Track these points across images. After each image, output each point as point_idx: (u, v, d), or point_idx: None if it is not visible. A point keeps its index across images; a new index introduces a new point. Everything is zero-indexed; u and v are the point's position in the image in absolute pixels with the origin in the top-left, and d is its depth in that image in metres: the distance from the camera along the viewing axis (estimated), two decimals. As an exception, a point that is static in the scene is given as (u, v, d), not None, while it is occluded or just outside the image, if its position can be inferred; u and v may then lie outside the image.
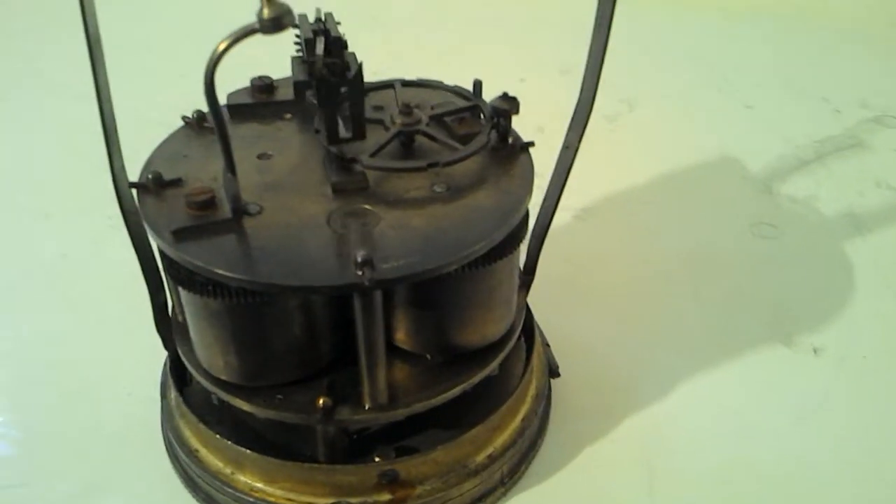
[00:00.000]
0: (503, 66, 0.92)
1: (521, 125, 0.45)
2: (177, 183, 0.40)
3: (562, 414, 0.50)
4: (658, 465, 0.47)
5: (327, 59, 0.43)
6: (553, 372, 0.51)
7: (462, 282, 0.39)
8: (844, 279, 0.61)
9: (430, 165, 0.40)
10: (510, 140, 0.43)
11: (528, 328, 0.49)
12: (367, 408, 0.40)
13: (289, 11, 0.34)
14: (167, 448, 0.46)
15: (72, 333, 0.56)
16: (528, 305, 0.52)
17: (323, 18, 0.46)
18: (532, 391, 0.47)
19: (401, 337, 0.42)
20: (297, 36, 0.45)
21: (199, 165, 0.42)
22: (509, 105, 0.43)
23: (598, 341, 0.55)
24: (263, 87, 0.47)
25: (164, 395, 0.47)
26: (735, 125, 0.81)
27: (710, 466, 0.47)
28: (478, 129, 0.44)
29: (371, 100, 0.46)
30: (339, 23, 0.48)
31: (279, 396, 0.40)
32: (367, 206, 0.39)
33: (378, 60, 0.60)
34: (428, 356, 0.42)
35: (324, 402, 0.39)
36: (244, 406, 0.40)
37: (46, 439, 0.48)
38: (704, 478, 0.46)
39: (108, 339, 0.55)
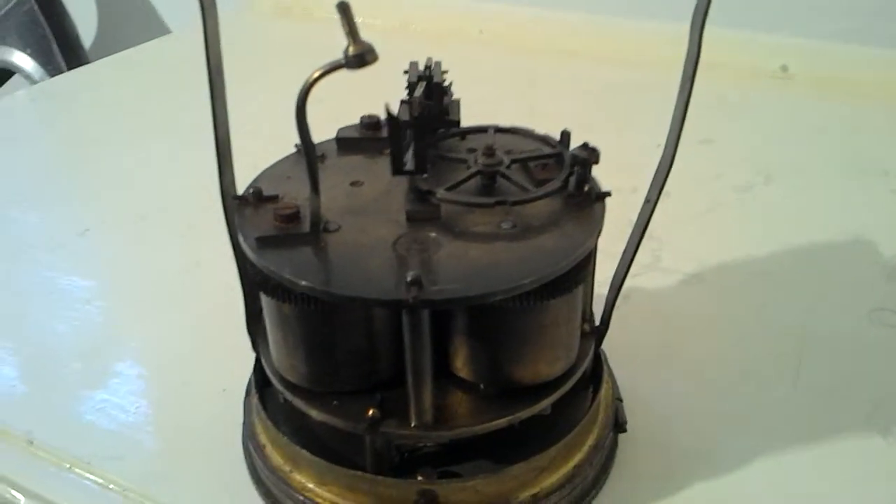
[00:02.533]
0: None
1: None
2: (274, 199, 0.45)
3: (625, 472, 0.49)
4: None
5: (424, 101, 0.47)
6: (620, 426, 0.50)
7: (513, 315, 0.41)
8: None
9: (498, 203, 0.43)
10: (586, 188, 0.45)
11: (597, 377, 0.49)
12: (412, 425, 0.42)
13: (371, 50, 0.38)
14: (243, 443, 0.50)
15: (188, 331, 0.62)
16: (602, 355, 0.53)
17: (431, 66, 0.50)
18: (591, 441, 0.47)
19: (457, 364, 0.44)
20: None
21: (298, 186, 0.46)
22: (588, 154, 0.45)
23: (680, 408, 0.54)
24: (370, 124, 0.52)
25: (248, 393, 0.51)
26: (876, 209, 0.77)
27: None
28: (556, 176, 0.45)
29: (467, 143, 0.50)
30: (445, 71, 0.52)
31: (335, 402, 0.43)
32: (433, 234, 0.42)
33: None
34: (481, 386, 0.44)
35: (372, 413, 0.42)
36: (302, 407, 0.44)
37: (147, 422, 0.54)
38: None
39: (213, 338, 0.60)
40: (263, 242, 0.41)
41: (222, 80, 0.42)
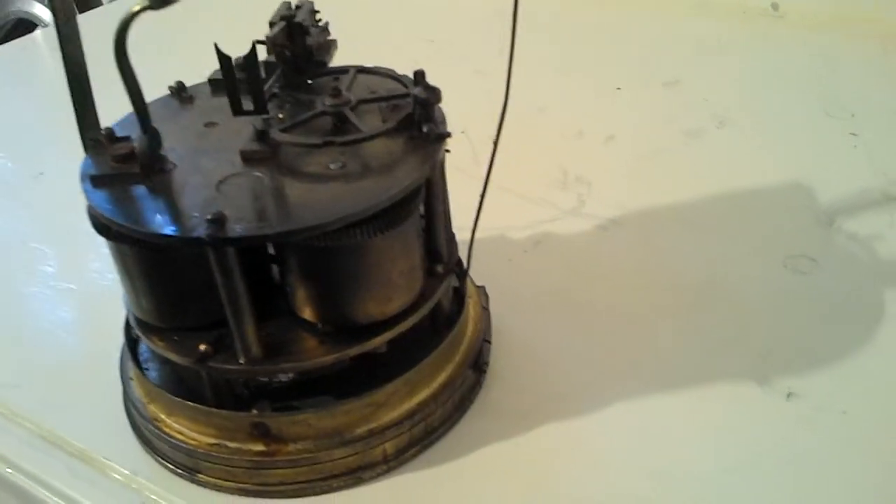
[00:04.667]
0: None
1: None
2: (126, 139, 0.46)
3: (484, 411, 0.50)
4: (548, 482, 0.46)
5: (279, 41, 0.47)
6: (479, 367, 0.50)
7: (336, 255, 0.41)
8: (866, 328, 0.54)
9: (326, 143, 0.43)
10: (424, 129, 0.44)
11: (450, 318, 0.49)
12: (241, 361, 0.43)
13: (173, -9, 0.38)
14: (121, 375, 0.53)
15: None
16: (479, 296, 0.53)
17: (301, 5, 0.50)
18: (441, 378, 0.48)
19: (297, 304, 0.45)
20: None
21: (159, 126, 0.47)
22: (428, 94, 0.44)
23: (556, 352, 0.54)
24: (243, 65, 0.52)
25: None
26: (829, 153, 0.73)
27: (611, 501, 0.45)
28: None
29: (339, 83, 0.50)
30: (317, 11, 0.52)
31: (175, 338, 0.45)
32: (258, 174, 0.42)
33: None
34: (319, 325, 0.45)
35: (204, 348, 0.43)
36: (143, 340, 0.45)
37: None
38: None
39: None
40: (97, 182, 0.43)
41: (74, 25, 0.44)
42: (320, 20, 0.52)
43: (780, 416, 0.48)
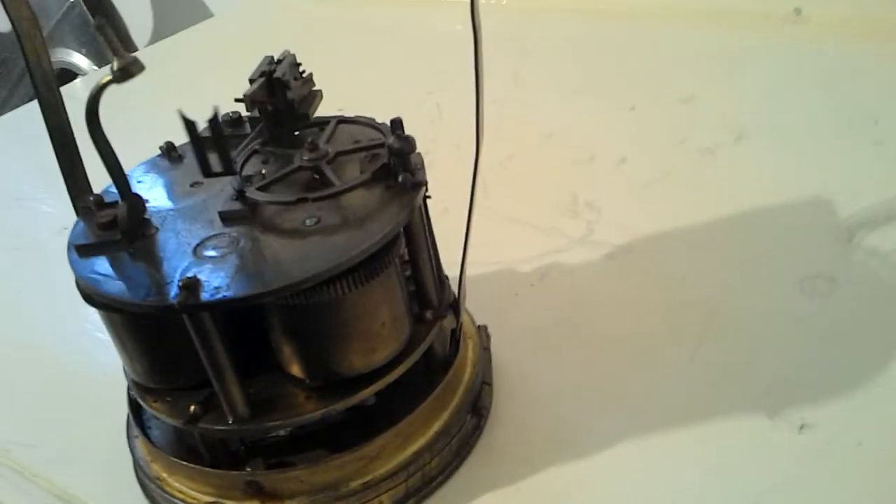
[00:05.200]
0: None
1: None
2: (113, 205, 0.47)
3: (486, 457, 0.49)
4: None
5: (259, 99, 0.48)
6: (477, 411, 0.50)
7: (312, 313, 0.41)
8: (884, 353, 0.51)
9: (300, 200, 0.43)
10: (400, 178, 0.44)
11: (445, 363, 0.49)
12: (230, 421, 0.43)
13: (135, 61, 0.39)
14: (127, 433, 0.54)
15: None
16: (480, 338, 0.52)
17: (283, 59, 0.51)
18: (436, 426, 0.47)
19: (282, 361, 0.45)
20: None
21: (143, 190, 0.48)
22: (402, 144, 0.44)
23: (562, 391, 0.53)
24: (231, 120, 0.53)
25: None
26: (852, 164, 0.71)
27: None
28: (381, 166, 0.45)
29: (322, 135, 0.50)
30: (299, 64, 0.52)
31: (168, 399, 0.45)
32: (234, 235, 0.43)
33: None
34: (307, 380, 0.45)
35: (194, 409, 0.44)
36: (139, 401, 0.46)
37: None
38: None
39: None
40: (81, 251, 0.44)
41: (57, 94, 0.45)
42: (303, 72, 0.52)
43: (792, 450, 0.46)
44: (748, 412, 0.49)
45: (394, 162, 0.44)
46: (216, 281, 0.39)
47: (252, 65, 0.48)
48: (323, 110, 0.52)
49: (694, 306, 0.58)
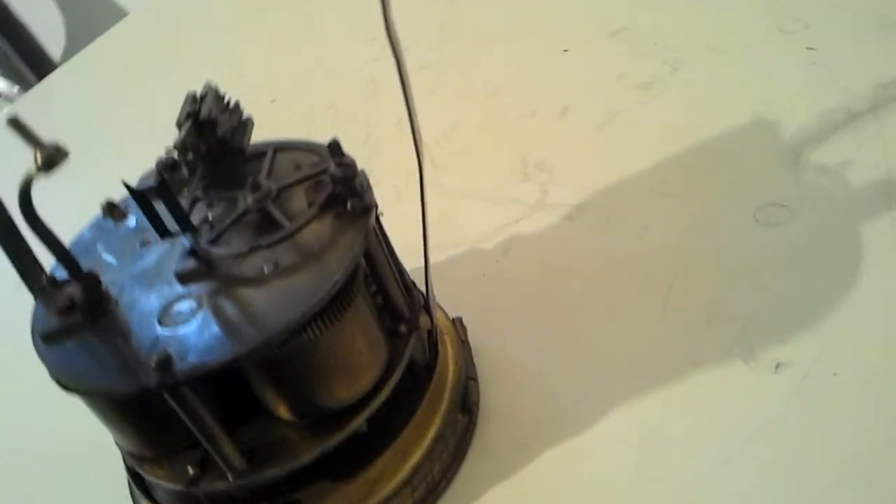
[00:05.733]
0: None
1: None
2: (68, 283, 0.46)
3: (481, 450, 0.50)
4: (558, 510, 0.46)
5: (190, 144, 0.47)
6: (467, 409, 0.51)
7: (289, 359, 0.42)
8: (848, 275, 0.53)
9: (253, 249, 0.43)
10: (349, 206, 0.44)
11: (428, 368, 0.49)
12: (230, 478, 0.44)
13: (58, 148, 0.38)
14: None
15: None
16: (456, 335, 0.53)
17: (206, 94, 0.49)
18: (432, 434, 0.48)
19: (269, 406, 0.45)
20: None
21: (94, 258, 0.47)
22: (343, 171, 0.44)
23: (540, 366, 0.54)
24: (166, 166, 0.51)
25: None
26: (787, 75, 0.71)
27: (610, 510, 0.45)
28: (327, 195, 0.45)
29: (260, 165, 0.49)
30: (223, 95, 0.51)
31: (165, 464, 0.46)
32: (196, 295, 0.42)
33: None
34: (296, 421, 0.45)
35: (193, 472, 0.44)
36: (139, 471, 0.46)
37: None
38: (600, 523, 0.45)
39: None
40: (47, 340, 0.43)
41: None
42: (228, 102, 0.51)
43: (770, 391, 0.48)
44: (725, 358, 0.51)
45: (339, 189, 0.44)
46: (189, 351, 0.39)
47: (176, 65, 0.47)
48: (259, 100, 0.50)
49: (657, 256, 0.59)
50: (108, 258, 0.47)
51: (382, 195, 0.48)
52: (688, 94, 0.73)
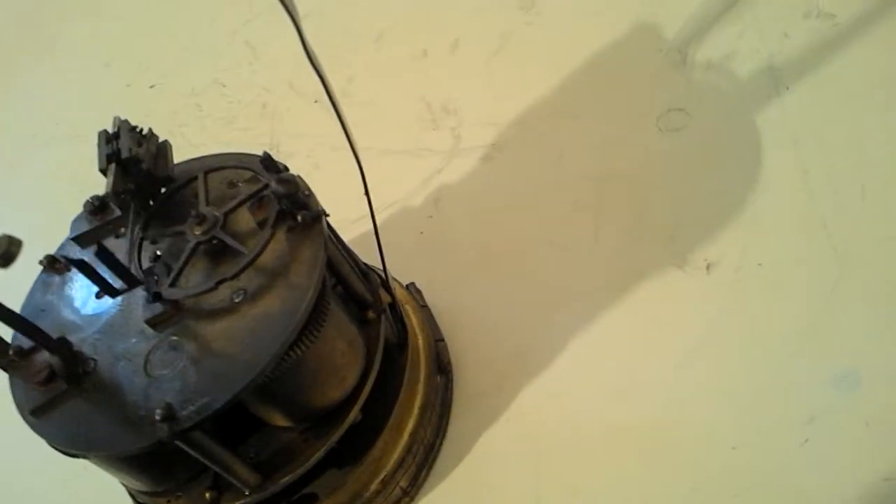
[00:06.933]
0: None
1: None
2: (36, 351, 0.46)
3: (463, 402, 0.54)
4: (546, 440, 0.51)
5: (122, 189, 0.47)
6: (443, 369, 0.54)
7: (280, 380, 0.44)
8: (752, 166, 0.58)
9: (219, 283, 0.44)
10: (300, 218, 0.45)
11: (400, 341, 0.52)
12: (247, 493, 0.46)
13: (12, 241, 0.38)
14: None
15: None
16: (414, 300, 0.56)
17: (117, 131, 0.48)
18: (418, 403, 0.52)
19: (266, 419, 0.47)
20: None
21: (55, 319, 0.47)
22: (287, 188, 0.45)
23: (496, 310, 0.58)
24: (96, 208, 0.51)
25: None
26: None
27: (594, 432, 0.50)
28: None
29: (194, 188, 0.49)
30: (134, 128, 0.50)
31: (179, 494, 0.48)
32: (175, 338, 0.43)
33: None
34: (294, 426, 0.47)
35: (209, 496, 0.46)
36: (155, 508, 0.48)
37: None
38: (588, 446, 0.50)
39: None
40: (37, 413, 0.43)
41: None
42: (140, 130, 0.50)
43: (707, 290, 0.53)
44: (660, 268, 0.55)
45: (285, 205, 0.45)
46: (188, 397, 0.40)
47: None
48: (139, 88, 0.49)
49: (578, 180, 0.62)
50: (68, 316, 0.47)
51: (298, 167, 0.49)
52: (570, 6, 0.75)
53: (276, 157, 0.47)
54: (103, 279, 0.43)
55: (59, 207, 0.73)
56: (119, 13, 1.03)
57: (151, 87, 0.89)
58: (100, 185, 0.60)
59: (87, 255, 0.48)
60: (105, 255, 0.42)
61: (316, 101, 0.78)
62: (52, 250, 0.50)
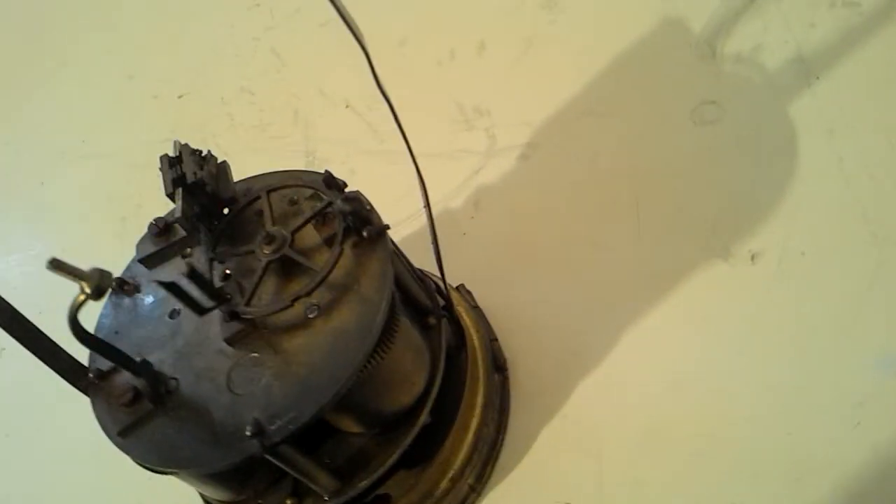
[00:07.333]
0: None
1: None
2: (117, 372, 0.48)
3: (521, 399, 0.56)
4: (606, 433, 0.53)
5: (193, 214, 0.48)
6: (499, 367, 0.56)
7: (356, 391, 0.45)
8: (788, 155, 0.59)
9: (295, 300, 0.45)
10: (365, 234, 0.47)
11: (458, 343, 0.54)
12: (327, 499, 0.48)
13: (104, 276, 0.39)
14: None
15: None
16: (465, 302, 0.57)
17: (178, 155, 0.50)
18: (479, 402, 0.54)
19: (340, 427, 0.49)
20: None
21: (131, 340, 0.49)
22: (352, 206, 0.46)
23: (545, 308, 0.59)
24: (161, 230, 0.52)
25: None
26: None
27: (651, 425, 0.52)
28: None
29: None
30: (195, 151, 0.51)
31: (259, 502, 0.50)
32: (255, 355, 0.45)
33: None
34: (367, 432, 0.49)
35: (291, 502, 0.48)
36: (235, 517, 0.50)
37: None
38: (647, 438, 0.52)
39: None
40: (125, 433, 0.45)
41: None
42: (200, 152, 0.51)
43: (754, 280, 0.55)
44: (706, 261, 0.57)
45: (350, 221, 0.47)
46: (274, 412, 0.42)
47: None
48: (167, 99, 0.48)
49: (616, 176, 0.64)
50: (146, 339, 0.49)
51: (336, 174, 0.49)
52: (591, 3, 0.76)
53: (313, 165, 0.48)
54: (193, 300, 0.45)
55: (93, 225, 0.75)
56: (135, 27, 1.04)
57: (179, 97, 0.90)
58: (133, 202, 0.62)
59: (163, 276, 0.50)
60: (196, 277, 0.44)
61: (347, 106, 0.79)
62: (87, 268, 0.51)
